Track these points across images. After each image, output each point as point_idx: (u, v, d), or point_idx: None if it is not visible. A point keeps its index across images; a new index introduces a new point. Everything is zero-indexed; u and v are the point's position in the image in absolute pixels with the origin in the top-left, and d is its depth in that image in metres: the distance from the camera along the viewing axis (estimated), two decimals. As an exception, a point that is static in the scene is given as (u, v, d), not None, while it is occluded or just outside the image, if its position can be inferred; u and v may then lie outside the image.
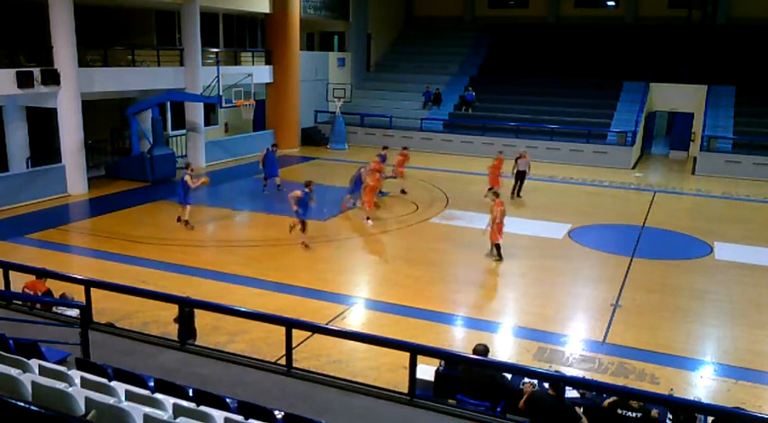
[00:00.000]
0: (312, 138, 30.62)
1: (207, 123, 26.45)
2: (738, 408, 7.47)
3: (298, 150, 29.08)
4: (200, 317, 9.26)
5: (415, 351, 6.78)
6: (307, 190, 15.23)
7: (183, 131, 24.83)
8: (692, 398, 8.88)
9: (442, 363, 8.22)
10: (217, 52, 26.27)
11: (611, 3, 35.78)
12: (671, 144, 30.93)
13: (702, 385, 9.67)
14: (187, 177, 16.36)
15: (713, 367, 10.24)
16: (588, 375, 9.50)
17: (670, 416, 7.32)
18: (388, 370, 9.11)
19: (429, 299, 12.51)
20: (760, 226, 18.38)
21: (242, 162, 25.89)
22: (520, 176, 20.61)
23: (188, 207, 16.58)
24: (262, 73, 27.30)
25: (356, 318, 11.88)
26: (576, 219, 18.48)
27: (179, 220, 16.70)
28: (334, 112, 30.31)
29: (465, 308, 12.32)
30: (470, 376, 7.74)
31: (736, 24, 32.10)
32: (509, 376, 7.94)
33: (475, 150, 27.92)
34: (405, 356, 6.72)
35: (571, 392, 7.61)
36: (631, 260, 15.06)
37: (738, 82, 28.91)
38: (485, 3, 37.78)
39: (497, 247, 14.66)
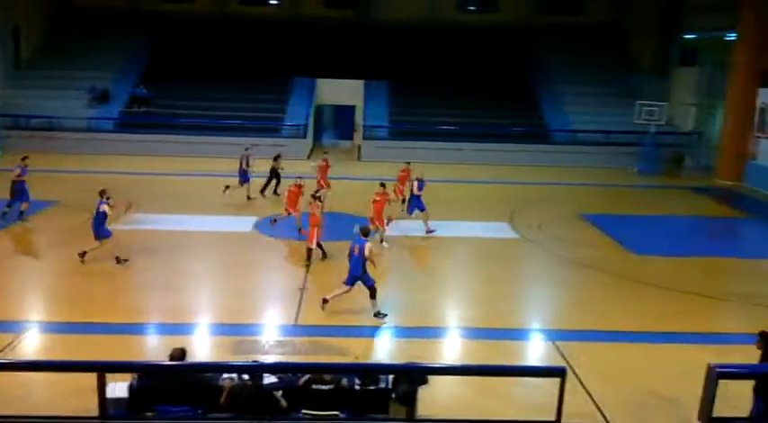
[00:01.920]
0: (-48, 145, 26.08)
1: None
2: (412, 362, 8.59)
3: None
4: None
5: (103, 369, 6.36)
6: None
7: None
8: (374, 361, 9.93)
9: (136, 376, 7.85)
10: None
11: (274, 1, 37.03)
12: (338, 135, 33.71)
13: (383, 348, 10.86)
14: (105, 207, 13.68)
15: (390, 331, 11.56)
16: (284, 359, 9.97)
17: (358, 381, 8.08)
18: (73, 395, 8.35)
19: (117, 311, 11.75)
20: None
21: None
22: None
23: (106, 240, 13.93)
24: None
25: (31, 345, 10.61)
26: (261, 211, 19.04)
27: (118, 260, 13.90)
28: (-22, 115, 26.25)
29: (158, 314, 11.88)
30: (169, 383, 7.54)
31: (384, 25, 35.96)
32: (210, 375, 7.93)
33: (154, 150, 26.83)
34: (92, 377, 6.27)
35: (270, 378, 7.92)
36: (314, 245, 16.08)
37: (390, 77, 32.56)
38: (148, -4, 36.18)
39: (310, 250, 14.37)
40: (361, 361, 9.39)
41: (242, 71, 32.10)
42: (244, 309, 12.22)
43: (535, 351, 11.22)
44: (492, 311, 12.52)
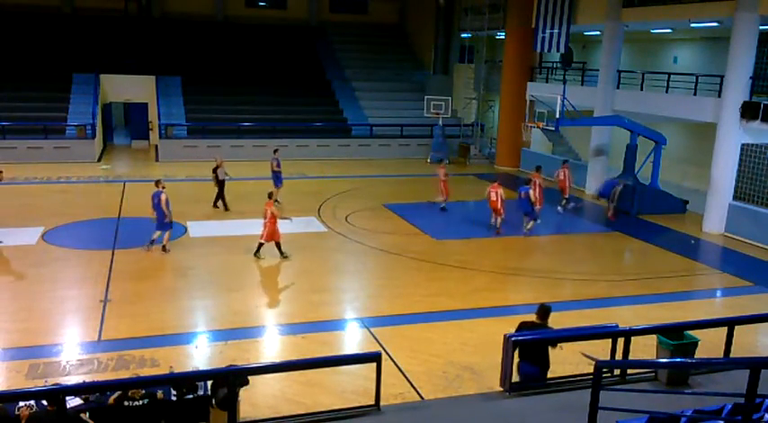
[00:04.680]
0: None
1: None
2: (231, 365, 8.42)
3: None
4: None
5: None
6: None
7: None
8: (190, 369, 9.59)
9: None
10: None
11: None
12: (131, 134, 31.64)
13: (199, 354, 10.51)
14: (163, 196, 14.98)
15: (205, 335, 11.23)
16: (89, 378, 9.26)
17: (174, 392, 7.78)
18: None
19: None
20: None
21: None
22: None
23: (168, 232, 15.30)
24: None
25: None
26: (50, 220, 17.43)
27: (163, 248, 15.22)
28: None
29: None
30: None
31: (170, 18, 34.62)
32: (1, 406, 7.12)
33: None
34: None
35: (75, 401, 7.32)
36: (113, 253, 15.07)
37: (183, 72, 31.29)
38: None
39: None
40: (177, 370, 9.01)
41: (17, 68, 29.01)
42: (37, 329, 11.12)
43: (352, 339, 11.58)
44: (307, 305, 12.68)
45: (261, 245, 15.14)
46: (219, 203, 19.66)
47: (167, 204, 15.01)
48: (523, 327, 8.33)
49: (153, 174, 24.53)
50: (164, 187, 15.28)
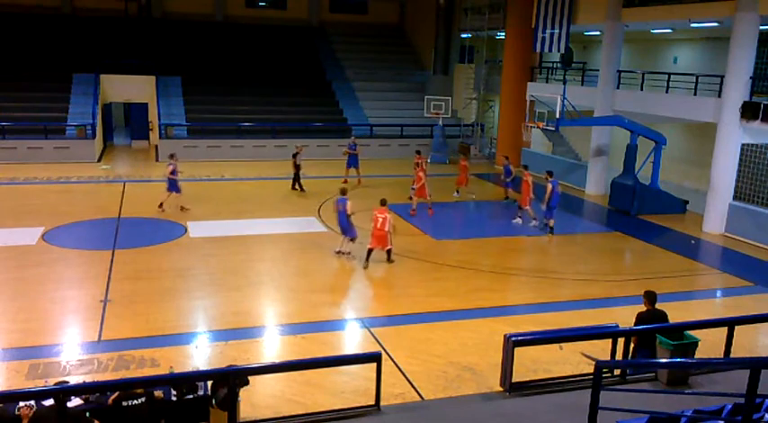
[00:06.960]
0: None
1: None
2: (231, 365, 8.44)
3: None
4: None
5: None
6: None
7: None
8: (190, 369, 9.59)
9: None
10: None
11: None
12: (132, 134, 31.63)
13: (199, 354, 10.50)
14: (170, 167, 18.49)
15: (205, 335, 11.23)
16: (89, 378, 9.26)
17: (174, 392, 7.77)
18: None
19: None
20: (222, 202, 20.60)
21: None
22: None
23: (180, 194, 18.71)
24: None
25: None
26: (49, 220, 17.41)
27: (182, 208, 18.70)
28: None
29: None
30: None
31: (170, 18, 34.65)
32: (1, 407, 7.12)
33: None
34: None
35: (76, 401, 7.32)
36: (113, 253, 15.07)
37: (183, 72, 31.29)
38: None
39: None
40: (177, 370, 9.00)
41: (17, 68, 29.04)
42: (37, 329, 11.11)
43: (352, 339, 11.57)
44: (307, 305, 12.68)
45: (370, 252, 14.97)
46: (296, 186, 22.22)
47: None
48: (641, 317, 8.72)
49: (153, 174, 24.58)
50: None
